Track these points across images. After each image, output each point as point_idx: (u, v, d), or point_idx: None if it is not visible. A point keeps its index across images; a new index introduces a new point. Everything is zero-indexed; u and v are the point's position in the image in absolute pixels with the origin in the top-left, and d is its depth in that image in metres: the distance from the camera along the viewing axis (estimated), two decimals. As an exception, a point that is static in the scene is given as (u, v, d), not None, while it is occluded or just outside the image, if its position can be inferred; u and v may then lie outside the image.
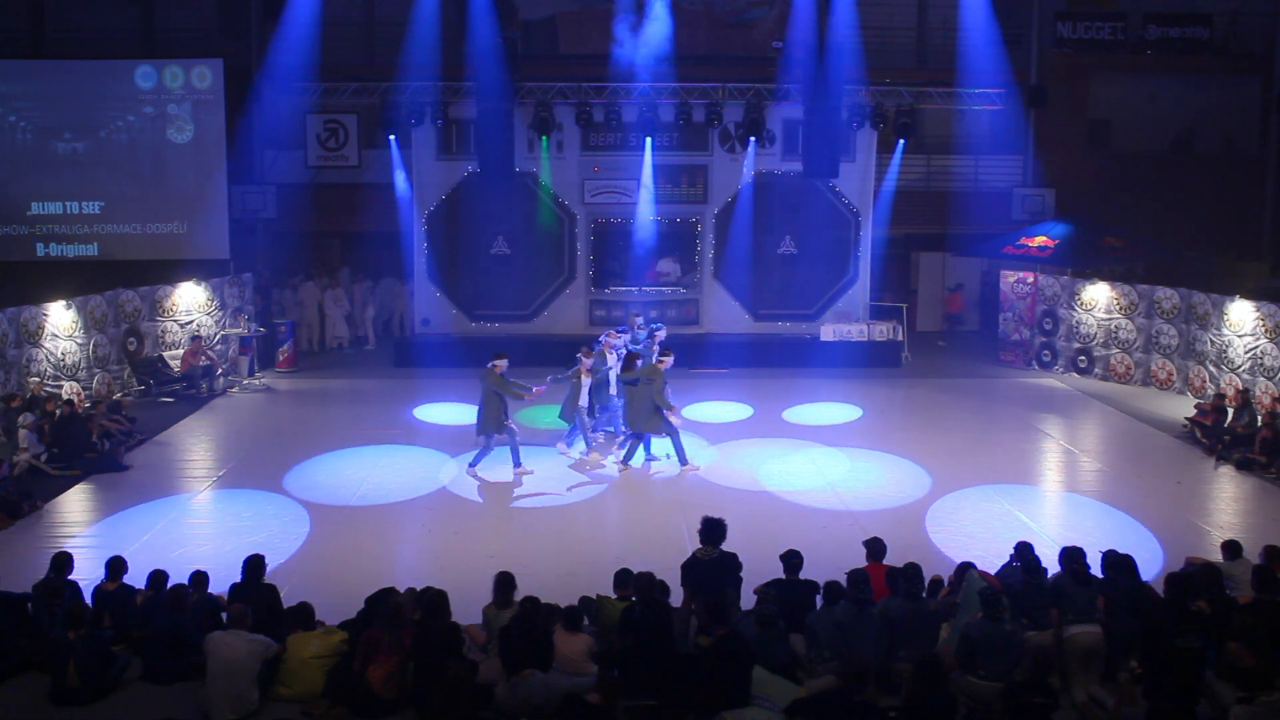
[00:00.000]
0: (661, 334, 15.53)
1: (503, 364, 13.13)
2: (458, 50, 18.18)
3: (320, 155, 20.88)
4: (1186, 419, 15.20)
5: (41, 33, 21.35)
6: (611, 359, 14.13)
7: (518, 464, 13.11)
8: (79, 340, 16.11)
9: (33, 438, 13.31)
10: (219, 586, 8.58)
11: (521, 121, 18.90)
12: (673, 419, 13.18)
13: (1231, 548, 9.12)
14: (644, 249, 19.76)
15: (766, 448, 14.42)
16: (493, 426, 12.94)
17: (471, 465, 13.11)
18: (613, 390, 13.99)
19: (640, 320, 16.10)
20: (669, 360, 13.53)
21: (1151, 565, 8.62)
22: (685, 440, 13.46)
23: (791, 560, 8.43)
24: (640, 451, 13.55)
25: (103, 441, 13.53)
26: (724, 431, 15.22)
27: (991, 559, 9.18)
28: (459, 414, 15.42)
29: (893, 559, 8.68)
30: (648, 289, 19.94)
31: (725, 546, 8.59)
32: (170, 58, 19.29)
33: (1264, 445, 13.47)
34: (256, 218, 20.70)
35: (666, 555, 10.01)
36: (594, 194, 19.90)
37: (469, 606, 8.24)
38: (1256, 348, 15.93)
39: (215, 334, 18.39)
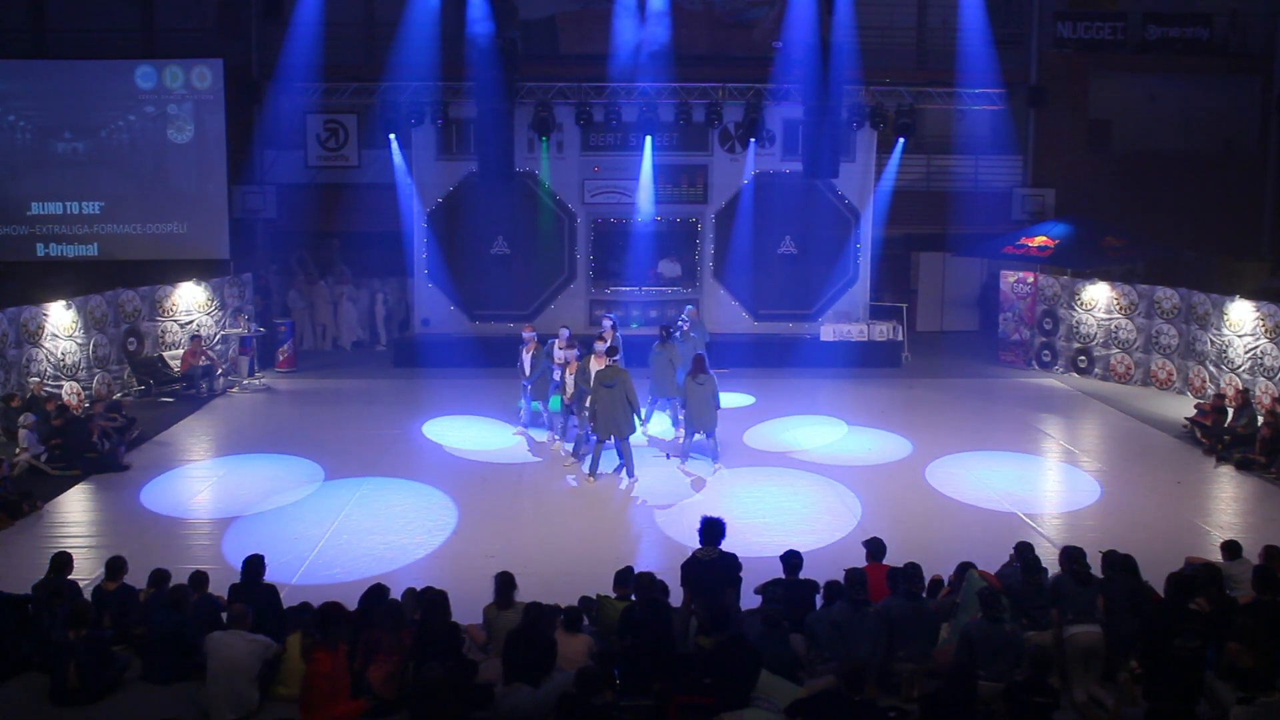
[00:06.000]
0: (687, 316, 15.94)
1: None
2: (457, 50, 18.16)
3: (320, 155, 20.93)
4: (1186, 419, 15.20)
5: (41, 33, 21.33)
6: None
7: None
8: (79, 340, 16.11)
9: (33, 438, 13.31)
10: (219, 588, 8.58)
11: (521, 121, 18.88)
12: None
13: (1231, 548, 9.14)
14: (644, 249, 19.79)
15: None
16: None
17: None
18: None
19: (689, 311, 16.23)
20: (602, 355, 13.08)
21: (1151, 565, 8.60)
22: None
23: (791, 560, 8.43)
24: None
25: (103, 441, 13.53)
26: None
27: (991, 559, 9.18)
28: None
29: (892, 559, 8.68)
30: (648, 289, 19.95)
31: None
32: (170, 58, 19.31)
33: (1264, 445, 13.48)
34: (257, 218, 20.71)
35: (667, 555, 10.02)
36: (594, 194, 19.92)
37: (469, 606, 8.24)
38: (1256, 348, 15.92)
39: (215, 334, 18.39)
